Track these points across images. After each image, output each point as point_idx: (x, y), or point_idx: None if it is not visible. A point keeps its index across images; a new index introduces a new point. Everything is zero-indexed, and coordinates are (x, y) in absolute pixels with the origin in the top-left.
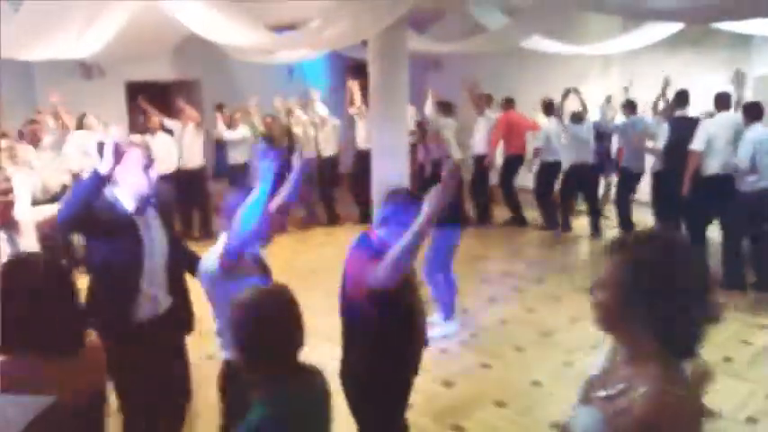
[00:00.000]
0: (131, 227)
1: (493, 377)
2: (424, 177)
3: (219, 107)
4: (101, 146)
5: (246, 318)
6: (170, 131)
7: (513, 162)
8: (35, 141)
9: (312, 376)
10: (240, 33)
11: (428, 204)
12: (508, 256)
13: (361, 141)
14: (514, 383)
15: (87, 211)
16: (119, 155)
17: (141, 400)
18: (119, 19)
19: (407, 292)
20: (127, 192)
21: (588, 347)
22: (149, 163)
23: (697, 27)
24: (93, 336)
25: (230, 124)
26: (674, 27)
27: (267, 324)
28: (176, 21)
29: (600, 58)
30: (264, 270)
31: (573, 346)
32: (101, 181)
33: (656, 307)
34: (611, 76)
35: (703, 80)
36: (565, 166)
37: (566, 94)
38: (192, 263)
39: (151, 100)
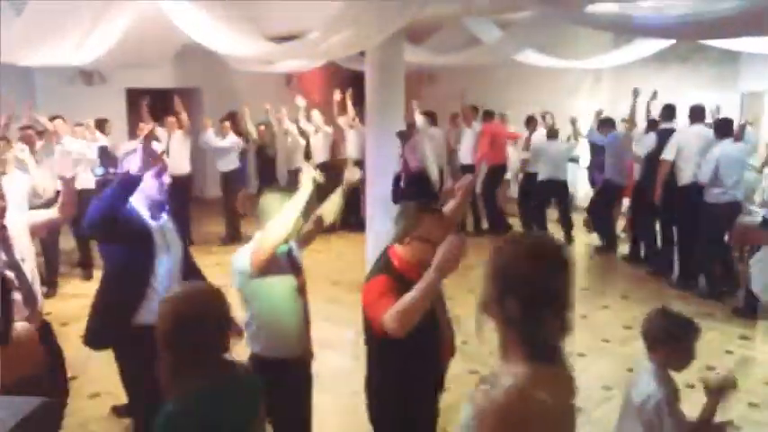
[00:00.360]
0: (147, 233)
1: None
2: (399, 187)
3: (231, 115)
4: (103, 151)
5: (169, 315)
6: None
7: (495, 171)
8: (30, 147)
9: (235, 375)
10: (240, 42)
11: (442, 256)
12: None
13: (351, 151)
14: None
15: (114, 215)
16: (152, 155)
17: (152, 400)
18: (120, 26)
19: (430, 312)
20: (140, 198)
21: (575, 354)
22: (162, 168)
23: (686, 43)
24: (24, 329)
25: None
26: (664, 43)
27: (187, 322)
28: (177, 29)
29: (591, 73)
30: (298, 269)
31: None
32: (133, 182)
33: (510, 307)
34: (602, 90)
35: (692, 95)
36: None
37: (529, 120)
38: (188, 274)
39: (151, 106)
